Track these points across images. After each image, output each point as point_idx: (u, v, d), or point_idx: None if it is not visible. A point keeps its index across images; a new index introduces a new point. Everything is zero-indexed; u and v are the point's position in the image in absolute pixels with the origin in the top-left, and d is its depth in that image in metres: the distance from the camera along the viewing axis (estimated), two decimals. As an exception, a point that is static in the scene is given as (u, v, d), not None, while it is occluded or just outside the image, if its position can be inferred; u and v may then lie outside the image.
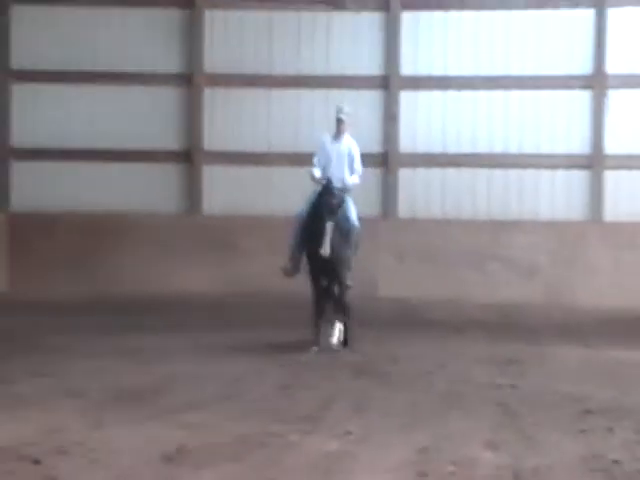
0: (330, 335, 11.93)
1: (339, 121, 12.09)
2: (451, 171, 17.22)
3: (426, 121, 17.29)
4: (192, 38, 17.36)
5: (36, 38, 17.44)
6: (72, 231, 17.16)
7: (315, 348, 11.59)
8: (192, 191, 17.48)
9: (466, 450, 6.92)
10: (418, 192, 17.31)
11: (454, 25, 17.24)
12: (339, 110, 12.15)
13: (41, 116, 17.51)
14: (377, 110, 17.32)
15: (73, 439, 7.06)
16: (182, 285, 16.80)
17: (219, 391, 9.17)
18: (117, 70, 17.42)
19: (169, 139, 17.56)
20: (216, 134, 17.50)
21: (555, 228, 16.96)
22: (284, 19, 17.39)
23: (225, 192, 17.47)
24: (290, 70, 17.42)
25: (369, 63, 17.35)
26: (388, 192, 17.29)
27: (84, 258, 17.15)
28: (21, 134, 17.57)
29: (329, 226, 11.45)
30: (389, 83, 17.23)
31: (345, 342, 11.90)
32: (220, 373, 10.09)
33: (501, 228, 16.99)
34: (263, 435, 7.27)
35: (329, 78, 17.36)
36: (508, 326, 14.78)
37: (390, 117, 17.23)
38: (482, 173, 17.19)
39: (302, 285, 16.53)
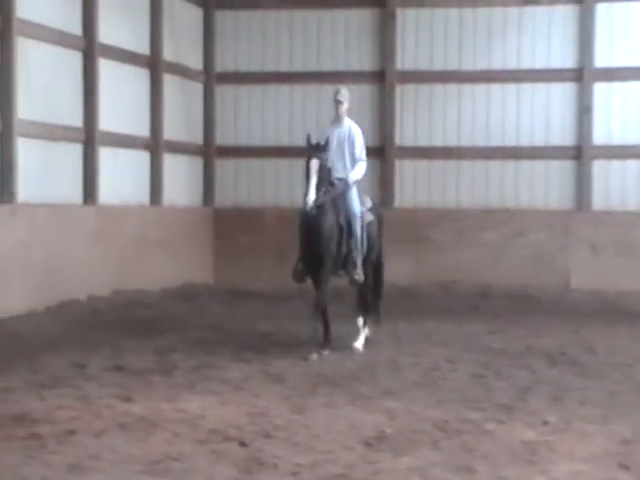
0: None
1: (337, 103, 10.98)
2: (648, 162, 16.79)
3: (621, 112, 16.84)
4: (384, 37, 17.49)
5: (237, 42, 17.98)
6: (272, 225, 17.52)
7: (318, 353, 10.42)
8: (385, 185, 17.52)
9: (670, 443, 6.77)
10: (612, 184, 16.89)
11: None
12: (336, 92, 11.10)
13: (242, 116, 18.04)
14: (570, 103, 17.02)
15: (277, 423, 7.30)
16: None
17: (416, 379, 9.27)
18: (312, 70, 17.78)
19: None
20: (407, 129, 17.60)
21: None
22: (474, 15, 17.28)
23: (416, 185, 17.57)
24: (480, 65, 17.29)
25: (562, 56, 17.04)
26: (582, 184, 16.95)
27: (284, 251, 17.53)
28: (223, 133, 18.12)
29: (314, 164, 10.36)
30: (583, 75, 16.87)
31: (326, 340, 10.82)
32: (416, 361, 10.19)
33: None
34: (460, 422, 7.34)
35: (520, 72, 17.16)
36: None
37: (584, 109, 16.87)
38: (682, 164, 16.66)
39: (500, 277, 16.65)
